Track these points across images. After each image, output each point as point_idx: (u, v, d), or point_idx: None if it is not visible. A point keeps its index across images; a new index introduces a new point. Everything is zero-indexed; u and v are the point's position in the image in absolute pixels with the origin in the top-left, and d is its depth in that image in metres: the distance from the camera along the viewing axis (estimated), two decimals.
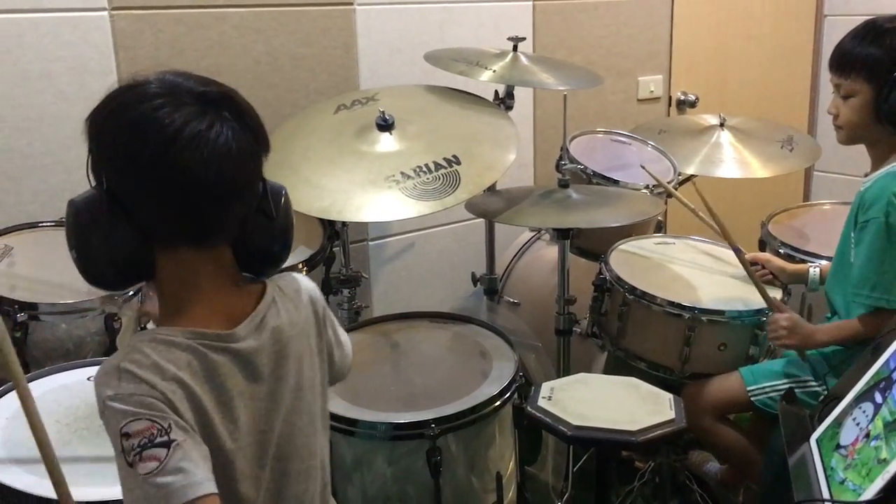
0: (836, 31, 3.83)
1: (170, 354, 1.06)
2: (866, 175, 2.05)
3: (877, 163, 2.02)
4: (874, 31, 1.95)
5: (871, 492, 1.16)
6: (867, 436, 1.26)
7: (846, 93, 1.99)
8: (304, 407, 1.21)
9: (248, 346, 1.13)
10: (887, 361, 1.35)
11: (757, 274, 2.19)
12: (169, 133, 1.03)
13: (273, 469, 1.19)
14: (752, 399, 2.10)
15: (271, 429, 1.17)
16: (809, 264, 2.33)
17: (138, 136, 1.04)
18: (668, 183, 2.60)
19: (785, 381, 2.09)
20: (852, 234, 2.02)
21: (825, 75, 3.97)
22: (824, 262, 2.32)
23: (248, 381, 1.13)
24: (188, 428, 1.04)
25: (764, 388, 2.10)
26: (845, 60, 1.99)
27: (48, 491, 1.38)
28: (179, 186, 1.05)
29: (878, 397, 1.30)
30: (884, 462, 1.17)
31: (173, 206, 1.07)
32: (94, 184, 1.10)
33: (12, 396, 1.64)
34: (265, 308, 1.17)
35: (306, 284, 1.27)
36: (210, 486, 1.02)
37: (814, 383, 2.06)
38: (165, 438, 1.00)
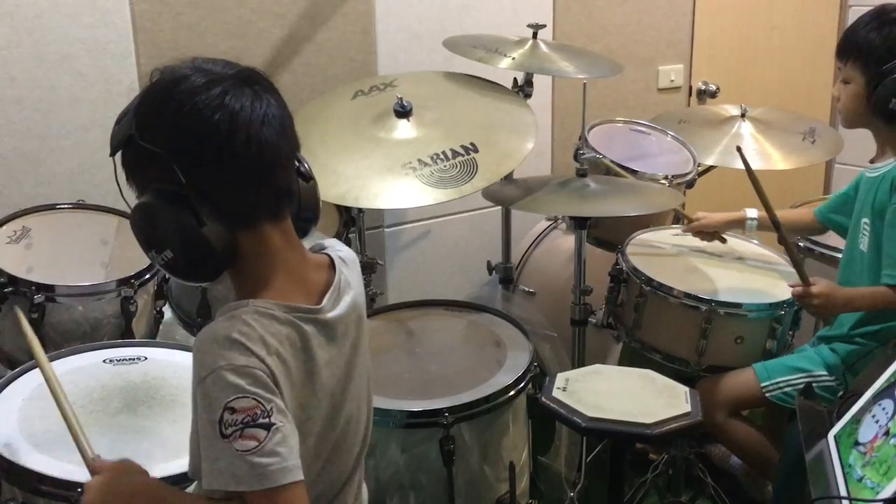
0: None
1: (272, 328, 1.08)
2: (872, 161, 2.04)
3: (882, 150, 2.00)
4: (880, 18, 1.95)
5: (889, 490, 1.15)
6: (886, 433, 1.24)
7: (844, 78, 2.01)
8: (365, 369, 1.29)
9: (332, 316, 1.18)
10: None
11: (695, 229, 2.33)
12: (247, 116, 1.07)
13: (340, 429, 1.23)
14: (766, 395, 2.09)
15: (346, 391, 1.22)
16: (747, 214, 2.33)
17: (223, 125, 1.05)
18: (687, 175, 2.58)
19: (799, 375, 2.07)
20: (865, 221, 2.00)
21: None
22: (755, 212, 2.33)
23: (332, 349, 1.17)
24: (286, 410, 1.06)
25: (778, 383, 2.08)
26: (846, 44, 2.00)
27: (63, 472, 1.40)
28: (264, 164, 1.10)
29: None
30: None
31: (258, 184, 1.10)
32: (140, 186, 1.11)
33: (27, 378, 1.66)
34: (339, 279, 1.22)
35: (353, 253, 1.33)
36: (299, 474, 1.06)
37: (827, 377, 2.05)
38: (267, 420, 1.03)
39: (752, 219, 2.32)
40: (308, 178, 1.23)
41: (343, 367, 1.21)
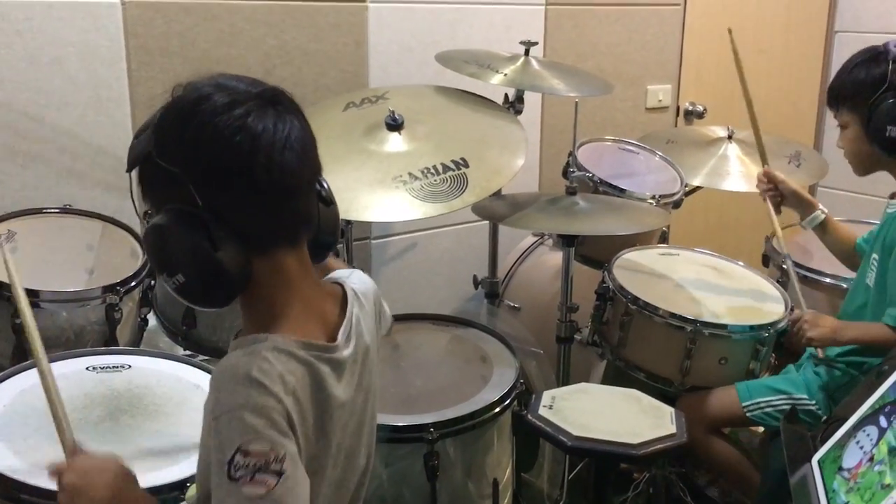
0: (847, 47, 3.83)
1: (290, 365, 1.06)
2: (892, 197, 2.05)
3: None
4: (862, 57, 1.98)
5: None
6: (871, 460, 1.25)
7: (841, 124, 2.03)
8: (370, 406, 1.26)
9: (345, 355, 1.15)
10: (893, 386, 1.34)
11: (768, 194, 2.28)
12: (269, 139, 1.04)
13: (344, 467, 1.21)
14: (747, 414, 2.10)
15: (347, 427, 1.19)
16: (820, 207, 2.29)
17: (243, 147, 1.03)
18: (674, 195, 2.60)
19: (780, 397, 2.09)
20: (874, 256, 2.01)
21: None
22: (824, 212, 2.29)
23: (342, 389, 1.14)
24: (297, 457, 1.03)
25: (759, 403, 2.10)
26: (833, 93, 2.03)
27: (44, 481, 1.38)
28: (283, 188, 1.07)
29: (884, 422, 1.29)
30: (888, 488, 1.16)
31: (277, 209, 1.07)
32: (156, 205, 1.08)
33: (9, 385, 1.64)
34: (351, 315, 1.19)
35: (369, 282, 1.30)
36: None
37: (808, 401, 2.07)
38: (279, 467, 0.99)
39: (818, 214, 2.26)
40: (329, 201, 1.19)
41: (348, 405, 1.18)
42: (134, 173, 1.10)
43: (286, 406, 1.02)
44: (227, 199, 1.05)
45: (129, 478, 1.15)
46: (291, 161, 1.06)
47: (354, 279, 1.27)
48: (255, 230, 1.07)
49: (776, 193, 2.34)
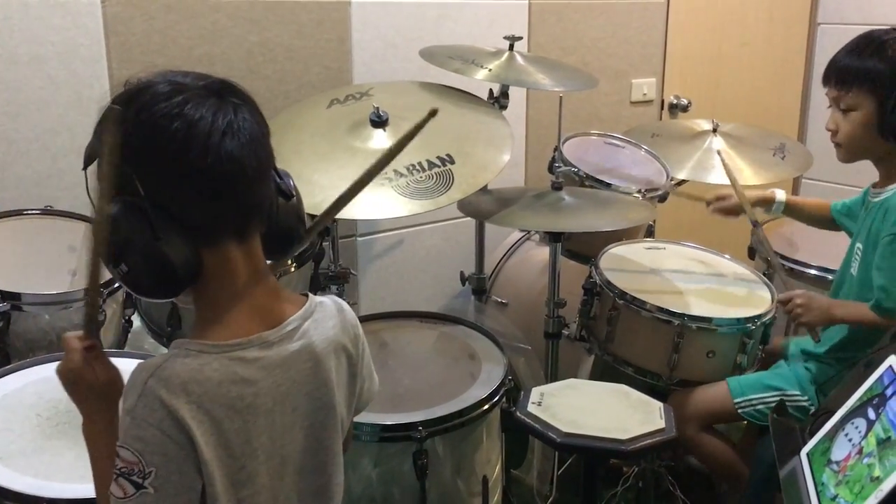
0: (829, 39, 3.85)
1: (201, 374, 1.04)
2: (875, 186, 2.03)
3: (888, 175, 2.00)
4: (873, 44, 1.93)
5: None
6: (860, 452, 1.25)
7: (847, 106, 1.96)
8: (330, 424, 1.21)
9: (278, 353, 1.12)
10: (881, 378, 1.34)
11: (723, 208, 2.39)
12: (206, 126, 1.03)
13: (293, 482, 1.18)
14: (738, 410, 2.10)
15: (294, 442, 1.16)
16: (777, 197, 2.34)
17: (179, 134, 1.02)
18: (660, 189, 2.60)
19: (772, 393, 2.09)
20: (858, 246, 2.01)
21: (817, 83, 3.98)
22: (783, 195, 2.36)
23: (275, 394, 1.12)
24: (171, 481, 1.02)
25: (751, 399, 2.09)
26: (845, 74, 1.96)
27: (26, 486, 1.37)
28: (225, 176, 1.05)
29: (872, 414, 1.29)
30: (877, 480, 1.16)
31: (219, 198, 1.06)
32: (106, 197, 1.06)
33: None
34: (302, 318, 1.16)
35: (349, 309, 1.27)
36: None
37: (801, 397, 2.06)
38: (139, 481, 1.01)
39: (780, 201, 2.33)
40: (288, 195, 1.17)
41: (287, 415, 1.14)
42: (91, 172, 1.09)
43: (181, 416, 1.01)
44: (166, 187, 1.04)
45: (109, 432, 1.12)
46: (232, 149, 1.04)
47: (326, 296, 1.25)
48: (197, 219, 1.06)
49: (730, 208, 2.40)
